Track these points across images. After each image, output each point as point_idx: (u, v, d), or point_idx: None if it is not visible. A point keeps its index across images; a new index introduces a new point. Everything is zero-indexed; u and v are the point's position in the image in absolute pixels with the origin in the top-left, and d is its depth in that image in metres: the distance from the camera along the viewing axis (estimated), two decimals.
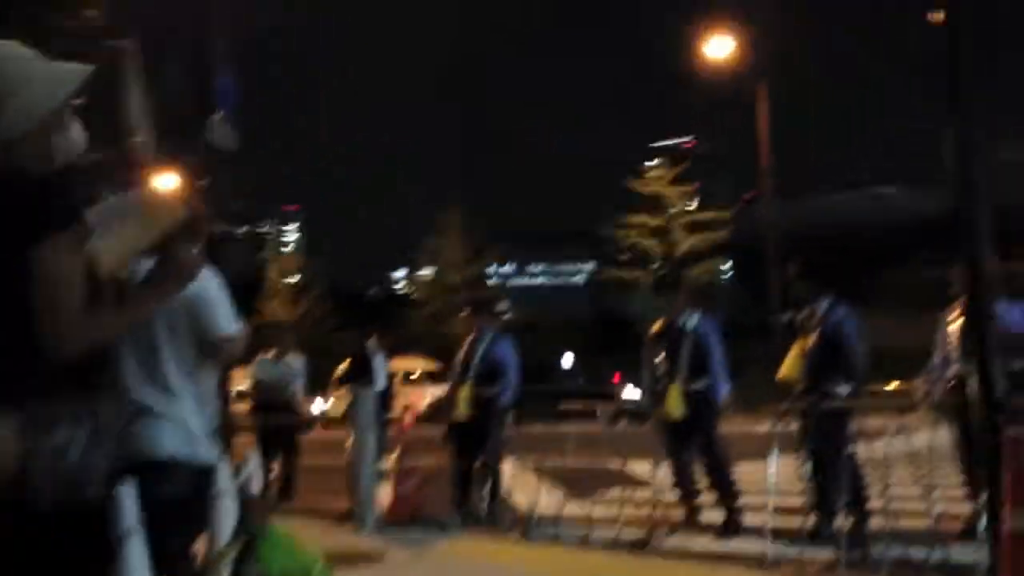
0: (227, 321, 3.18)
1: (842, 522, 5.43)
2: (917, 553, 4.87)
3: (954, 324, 6.00)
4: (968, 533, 5.16)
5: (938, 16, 4.34)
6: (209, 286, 3.24)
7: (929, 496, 5.00)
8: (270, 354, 9.28)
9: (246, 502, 4.75)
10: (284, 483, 8.92)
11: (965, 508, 5.54)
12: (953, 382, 6.03)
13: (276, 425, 8.73)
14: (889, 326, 29.91)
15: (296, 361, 9.33)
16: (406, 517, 7.15)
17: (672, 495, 6.64)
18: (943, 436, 5.39)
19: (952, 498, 5.99)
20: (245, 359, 9.17)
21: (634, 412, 11.77)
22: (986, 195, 4.27)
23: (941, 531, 4.96)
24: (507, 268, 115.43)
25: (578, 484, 6.89)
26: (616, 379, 26.46)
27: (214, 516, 3.98)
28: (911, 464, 5.25)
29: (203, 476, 3.02)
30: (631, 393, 25.45)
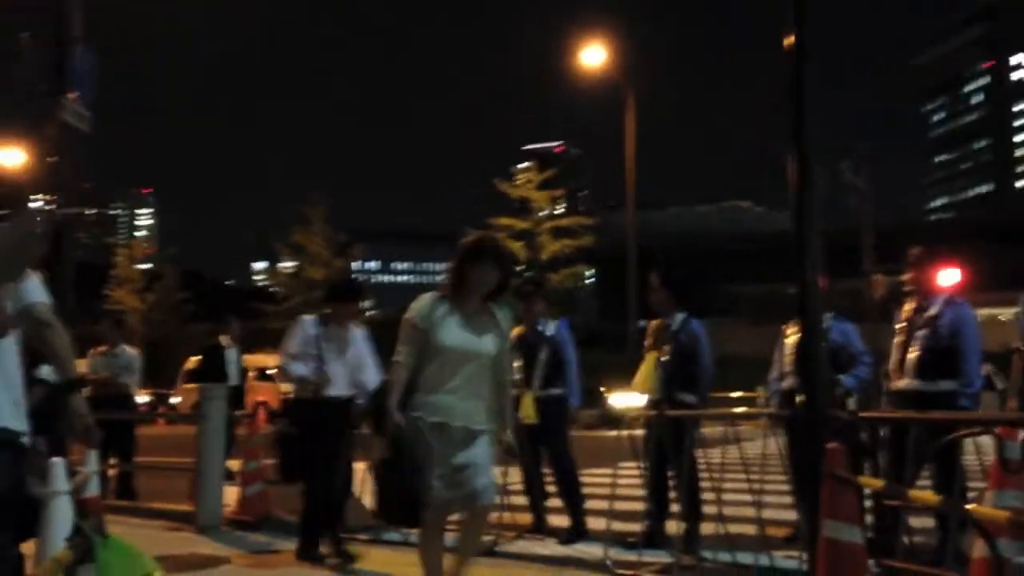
0: (37, 291, 3.08)
1: (677, 527, 5.70)
2: (745, 558, 5.16)
3: (791, 338, 6.39)
4: (792, 539, 5.50)
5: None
6: None
7: (758, 503, 5.29)
8: (101, 347, 8.90)
9: (82, 503, 4.57)
10: (122, 482, 8.57)
11: (792, 515, 5.91)
12: (786, 394, 6.44)
13: (110, 421, 8.38)
14: (746, 335, 31.33)
15: (128, 352, 8.98)
16: (252, 520, 7.01)
17: (521, 499, 6.76)
18: (774, 446, 5.71)
19: (780, 505, 6.36)
20: (81, 352, 8.77)
21: None
22: (818, 218, 4.53)
23: (768, 537, 5.26)
24: (372, 264, 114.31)
25: None
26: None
27: (48, 518, 3.82)
28: (744, 472, 5.55)
29: (13, 453, 2.88)
30: None
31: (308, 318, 6.00)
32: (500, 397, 4.11)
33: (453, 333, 3.96)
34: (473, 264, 4.03)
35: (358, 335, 5.98)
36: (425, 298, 4.10)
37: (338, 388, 5.78)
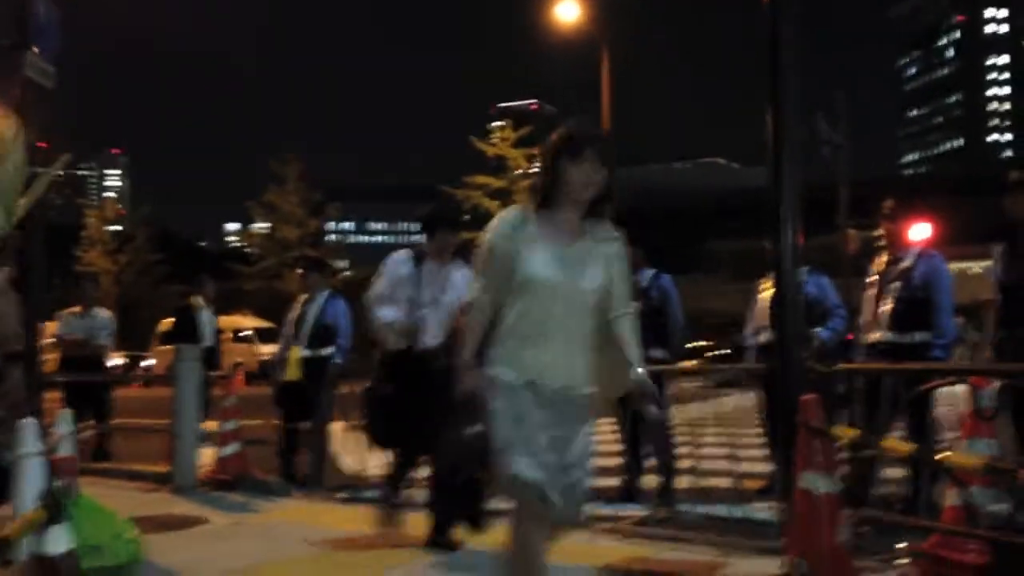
0: None
1: (654, 481, 5.75)
2: (720, 510, 5.22)
3: (766, 293, 6.41)
4: (767, 491, 5.56)
5: None
6: None
7: (734, 456, 5.34)
8: (75, 308, 8.82)
9: (54, 464, 4.53)
10: (98, 443, 8.52)
11: (766, 468, 5.97)
12: (761, 348, 6.47)
13: (84, 382, 8.31)
14: (725, 291, 31.53)
15: (102, 314, 8.90)
16: (229, 480, 6.99)
17: None
18: (750, 400, 5.75)
19: (755, 458, 6.43)
20: (49, 315, 8.68)
21: None
22: (795, 173, 4.50)
23: (743, 489, 5.31)
24: (346, 224, 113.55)
25: None
26: None
27: (19, 479, 3.78)
28: (719, 425, 5.59)
29: None
30: None
31: (401, 253, 4.99)
32: (622, 350, 2.91)
33: (543, 260, 2.84)
34: (571, 162, 2.87)
35: (459, 275, 4.84)
36: (510, 211, 3.00)
37: (432, 337, 4.78)
